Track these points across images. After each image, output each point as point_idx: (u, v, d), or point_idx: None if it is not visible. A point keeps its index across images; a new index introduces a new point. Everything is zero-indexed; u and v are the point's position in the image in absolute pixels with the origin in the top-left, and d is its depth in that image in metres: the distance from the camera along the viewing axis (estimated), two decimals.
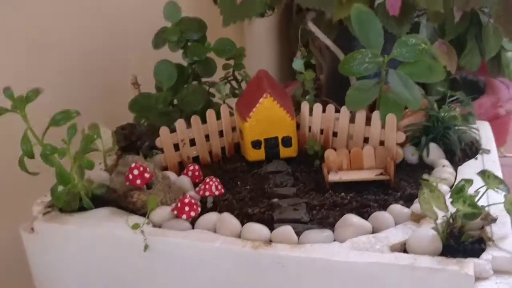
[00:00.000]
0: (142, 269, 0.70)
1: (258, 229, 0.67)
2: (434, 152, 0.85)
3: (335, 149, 0.90)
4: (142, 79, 1.02)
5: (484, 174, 0.59)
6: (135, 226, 0.67)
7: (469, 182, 0.59)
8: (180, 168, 0.90)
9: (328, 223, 0.71)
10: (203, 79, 1.02)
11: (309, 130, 0.94)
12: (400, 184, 0.80)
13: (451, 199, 0.60)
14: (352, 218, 0.66)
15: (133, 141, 0.97)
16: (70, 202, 0.76)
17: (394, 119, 0.83)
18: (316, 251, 0.62)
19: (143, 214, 0.75)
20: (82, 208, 0.77)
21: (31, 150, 0.68)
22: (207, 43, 0.99)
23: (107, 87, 1.09)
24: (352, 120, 0.89)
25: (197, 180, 0.85)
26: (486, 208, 0.62)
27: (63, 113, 0.70)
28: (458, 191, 0.59)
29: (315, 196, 0.79)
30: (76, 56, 1.03)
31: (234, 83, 1.09)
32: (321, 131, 0.93)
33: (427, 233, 0.62)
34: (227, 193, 0.81)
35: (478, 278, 0.57)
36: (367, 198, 0.76)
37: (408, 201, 0.74)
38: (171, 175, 0.84)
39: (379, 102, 0.85)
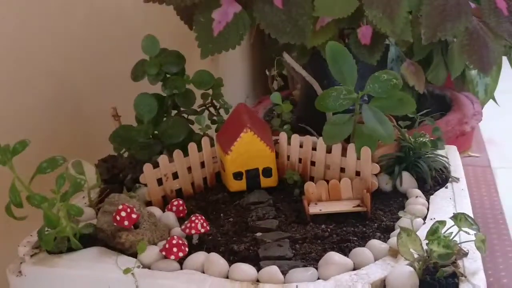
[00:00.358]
0: None
1: (245, 269, 0.70)
2: (407, 181, 0.90)
3: (313, 178, 0.94)
4: (120, 109, 1.04)
5: (456, 217, 0.64)
6: (127, 271, 0.69)
7: (443, 223, 0.64)
8: (164, 201, 0.92)
9: (311, 258, 0.74)
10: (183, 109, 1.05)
11: (288, 159, 0.97)
12: (376, 214, 0.84)
13: (426, 240, 0.64)
14: (334, 256, 0.70)
15: (116, 173, 0.98)
16: (58, 243, 0.78)
17: (368, 151, 0.87)
18: None
19: (132, 254, 0.77)
20: (70, 249, 0.79)
21: (20, 201, 0.69)
22: (186, 76, 1.01)
23: (84, 118, 1.10)
24: (329, 150, 0.93)
25: (181, 215, 0.87)
26: (458, 243, 0.67)
27: (49, 161, 0.72)
28: (433, 232, 0.63)
29: (297, 228, 0.82)
30: (51, 87, 1.03)
31: (212, 109, 1.12)
32: (299, 160, 0.96)
33: (405, 270, 0.66)
34: (211, 226, 0.84)
35: None
36: (346, 231, 0.80)
37: (385, 232, 0.79)
38: (156, 210, 0.86)
39: (354, 135, 0.89)
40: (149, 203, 0.91)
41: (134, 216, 0.77)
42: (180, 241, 0.75)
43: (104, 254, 0.77)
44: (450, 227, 0.66)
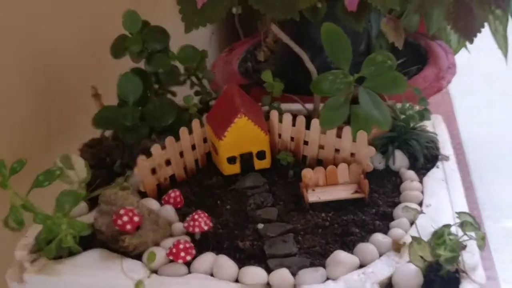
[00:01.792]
0: None
1: (255, 272, 0.72)
2: (399, 160, 0.91)
3: (305, 157, 0.94)
4: (100, 88, 0.98)
5: (462, 224, 0.66)
6: (138, 284, 0.69)
7: (448, 227, 0.66)
8: (158, 190, 0.90)
9: (316, 253, 0.76)
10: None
11: (279, 137, 0.96)
12: (372, 197, 0.86)
13: (432, 243, 0.67)
14: (341, 255, 0.72)
15: (102, 158, 0.95)
16: (58, 250, 0.76)
17: (364, 135, 0.87)
18: None
19: (136, 256, 0.77)
20: (69, 253, 0.77)
21: (22, 220, 0.66)
22: (171, 53, 0.95)
23: (62, 99, 1.04)
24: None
25: (179, 206, 0.86)
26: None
27: (46, 174, 0.68)
28: (439, 236, 0.66)
29: (297, 217, 0.83)
30: (24, 67, 0.96)
31: (195, 79, 1.07)
32: (291, 138, 0.96)
33: (410, 268, 0.69)
34: (210, 215, 0.84)
35: None
36: (346, 220, 0.82)
37: (383, 220, 0.81)
38: (153, 203, 0.85)
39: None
40: (142, 193, 0.89)
41: (136, 219, 0.76)
42: (188, 245, 0.74)
43: (107, 258, 0.76)
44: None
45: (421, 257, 0.65)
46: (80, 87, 1.00)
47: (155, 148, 0.87)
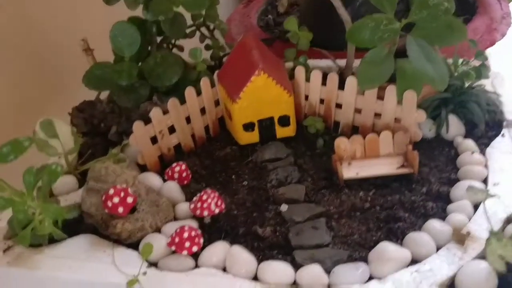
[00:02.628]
0: None
1: (279, 269, 0.57)
2: (454, 127, 0.75)
3: (337, 124, 0.78)
4: (92, 43, 0.83)
5: None
6: (131, 283, 0.54)
7: None
8: (161, 162, 0.75)
9: (355, 243, 0.61)
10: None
11: (306, 99, 0.80)
12: (422, 172, 0.70)
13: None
14: (389, 248, 0.56)
15: (96, 124, 0.80)
16: (37, 235, 0.62)
17: (413, 96, 0.70)
18: None
19: (130, 245, 0.62)
20: (52, 239, 0.63)
21: None
22: None
23: (50, 54, 0.88)
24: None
25: (185, 182, 0.71)
26: None
27: (11, 144, 0.53)
28: None
29: (328, 197, 0.68)
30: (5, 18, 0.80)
31: (205, 31, 0.91)
32: (321, 101, 0.79)
33: (480, 267, 0.53)
34: (223, 194, 0.69)
35: None
36: (391, 201, 0.66)
37: (437, 201, 0.65)
38: (154, 179, 0.70)
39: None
40: (142, 166, 0.74)
41: (130, 200, 0.61)
42: (193, 233, 0.59)
43: (96, 247, 0.62)
44: None
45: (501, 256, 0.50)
46: (70, 43, 0.85)
47: (155, 112, 0.72)
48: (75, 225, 0.65)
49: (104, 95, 0.85)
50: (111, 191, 0.60)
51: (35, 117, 0.73)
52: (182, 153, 0.77)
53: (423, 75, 0.68)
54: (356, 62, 0.86)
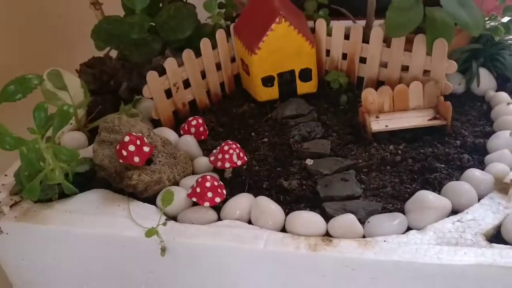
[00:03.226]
0: (157, 273, 0.55)
1: (309, 220, 0.52)
2: (486, 80, 0.71)
3: (361, 79, 0.74)
4: None
5: None
6: (150, 233, 0.50)
7: None
8: (175, 119, 0.71)
9: (388, 195, 0.57)
10: None
11: (327, 54, 0.76)
12: (454, 126, 0.66)
13: None
14: (428, 196, 0.52)
15: (105, 81, 0.75)
16: (46, 190, 0.58)
17: (444, 45, 0.66)
18: (395, 250, 0.48)
19: (146, 199, 0.58)
20: (62, 194, 0.59)
21: None
22: None
23: (55, 8, 0.83)
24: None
25: (202, 137, 0.67)
26: None
27: (18, 82, 0.48)
28: None
29: (356, 151, 0.64)
30: None
31: None
32: (343, 55, 0.75)
33: None
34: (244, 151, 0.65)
35: None
36: (424, 153, 0.62)
37: (473, 153, 0.61)
38: (169, 133, 0.66)
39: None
40: (156, 122, 0.70)
41: (146, 149, 0.57)
42: (216, 183, 0.55)
43: (110, 201, 0.58)
44: None
45: None
46: None
47: (170, 62, 0.67)
48: (85, 181, 0.61)
49: (113, 54, 0.81)
50: (127, 139, 0.55)
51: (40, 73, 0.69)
52: (196, 110, 0.73)
53: (456, 20, 0.64)
54: (376, 22, 0.82)
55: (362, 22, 0.81)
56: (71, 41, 0.85)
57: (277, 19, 0.67)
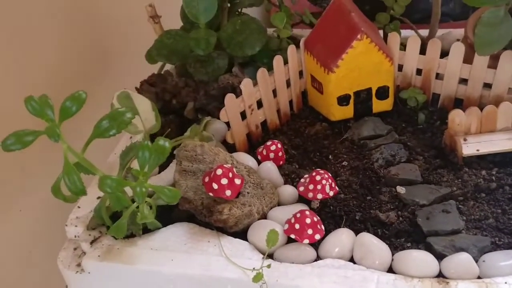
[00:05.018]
0: None
1: (420, 260, 0.49)
2: None
3: (437, 96, 0.71)
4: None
5: None
6: (258, 278, 0.47)
7: None
8: (249, 142, 0.67)
9: (492, 227, 0.54)
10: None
11: (400, 70, 0.72)
12: None
13: None
14: None
15: (167, 100, 0.72)
16: (129, 225, 0.54)
17: None
18: None
19: (236, 233, 0.55)
20: (145, 229, 0.55)
21: (81, 187, 0.43)
22: None
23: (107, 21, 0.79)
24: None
25: (280, 163, 0.63)
26: None
27: (111, 117, 0.45)
28: None
29: (447, 177, 0.60)
30: None
31: None
32: (417, 71, 0.72)
33: None
34: None
35: None
36: None
37: None
38: (248, 159, 0.62)
39: None
40: (227, 146, 0.66)
41: (237, 181, 0.53)
42: (315, 219, 0.52)
43: (198, 236, 0.54)
44: None
45: None
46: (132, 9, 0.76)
47: (247, 83, 0.64)
48: (165, 213, 0.57)
49: (168, 68, 0.77)
50: (219, 171, 0.52)
51: (93, 90, 0.65)
52: (267, 131, 0.70)
53: None
54: (439, 32, 0.79)
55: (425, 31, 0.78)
56: (124, 56, 0.81)
57: (358, 36, 0.63)
